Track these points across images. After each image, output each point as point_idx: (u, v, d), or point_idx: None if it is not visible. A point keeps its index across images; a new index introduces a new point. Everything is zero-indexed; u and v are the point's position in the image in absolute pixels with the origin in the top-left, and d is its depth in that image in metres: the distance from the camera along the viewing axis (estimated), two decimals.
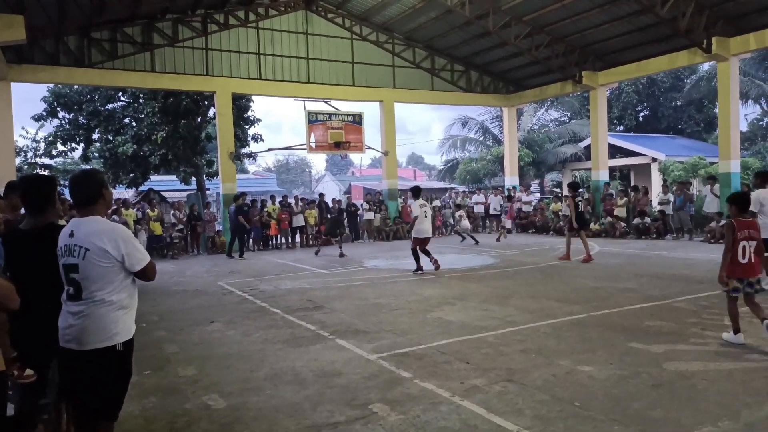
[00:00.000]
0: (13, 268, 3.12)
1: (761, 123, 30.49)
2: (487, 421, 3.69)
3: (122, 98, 21.58)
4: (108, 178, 21.39)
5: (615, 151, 25.61)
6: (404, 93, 20.68)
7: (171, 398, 4.43)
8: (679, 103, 33.45)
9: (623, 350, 5.13)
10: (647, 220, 16.22)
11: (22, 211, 4.07)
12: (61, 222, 3.27)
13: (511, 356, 5.09)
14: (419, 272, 10.69)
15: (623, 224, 16.81)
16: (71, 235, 2.85)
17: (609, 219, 17.22)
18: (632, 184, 25.33)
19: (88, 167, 18.13)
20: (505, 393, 4.17)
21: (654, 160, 25.06)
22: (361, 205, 20.70)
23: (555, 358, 4.97)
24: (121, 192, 28.68)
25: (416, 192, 11.38)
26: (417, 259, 10.86)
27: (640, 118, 35.41)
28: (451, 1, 16.14)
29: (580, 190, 14.36)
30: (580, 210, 11.97)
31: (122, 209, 15.71)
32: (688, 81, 31.72)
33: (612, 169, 24.77)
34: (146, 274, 2.93)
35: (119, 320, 2.84)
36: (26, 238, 3.14)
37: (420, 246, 10.93)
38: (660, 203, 16.31)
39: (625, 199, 17.39)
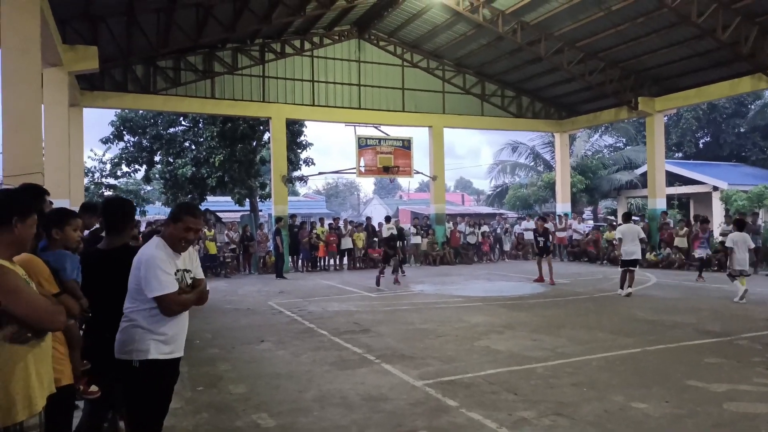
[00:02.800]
0: (88, 286, 3.33)
1: None
2: None
3: (183, 123, 22.64)
4: (168, 198, 22.38)
5: (673, 179, 24.72)
6: (454, 118, 20.78)
7: (222, 415, 4.56)
8: (742, 130, 32.04)
9: (681, 387, 4.92)
10: (708, 252, 15.47)
11: (86, 232, 4.35)
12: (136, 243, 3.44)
13: (561, 389, 4.96)
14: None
15: (683, 255, 16.12)
16: None
17: (668, 249, 16.55)
18: (692, 213, 24.32)
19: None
20: (554, 427, 4.08)
21: (715, 188, 24.00)
22: (409, 229, 20.76)
23: (607, 392, 4.81)
24: None
25: (387, 219, 15.55)
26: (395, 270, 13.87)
27: (701, 145, 34.11)
28: (503, 29, 16.20)
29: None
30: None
31: None
32: (753, 107, 30.40)
33: (670, 198, 23.87)
34: (162, 305, 2.92)
35: (135, 338, 2.94)
36: (104, 257, 3.32)
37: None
38: (722, 234, 15.56)
39: (686, 229, 16.69)
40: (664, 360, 5.89)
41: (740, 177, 25.47)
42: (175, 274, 3.00)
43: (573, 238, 19.95)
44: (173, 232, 3.04)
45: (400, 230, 15.00)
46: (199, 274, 3.23)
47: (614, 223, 21.51)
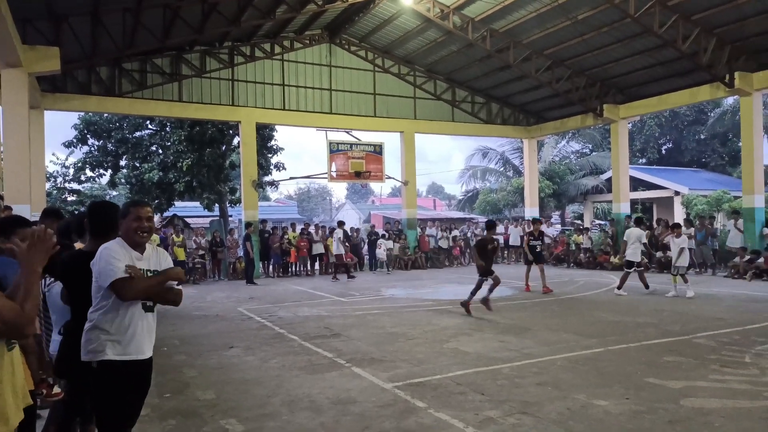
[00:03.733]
0: (74, 288, 3.30)
1: None
2: None
3: (150, 126, 22.26)
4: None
5: (637, 184, 25.40)
6: (425, 124, 20.96)
7: (190, 421, 4.51)
8: (702, 137, 33.17)
9: (640, 385, 5.07)
10: (669, 254, 15.96)
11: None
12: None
13: (526, 388, 5.07)
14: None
15: (645, 258, 16.55)
16: None
17: None
18: (655, 217, 25.03)
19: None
20: (519, 425, 4.16)
21: (677, 193, 24.76)
22: (381, 234, 20.82)
23: (571, 391, 4.94)
24: None
25: (340, 224, 17.03)
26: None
27: (663, 151, 35.18)
28: (473, 36, 16.46)
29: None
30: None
31: None
32: (712, 114, 31.50)
33: (634, 202, 24.54)
34: (115, 291, 2.91)
35: (91, 339, 2.95)
36: (87, 260, 3.26)
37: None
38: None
39: (648, 232, 17.16)
40: (625, 359, 6.06)
41: (700, 182, 26.34)
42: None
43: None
44: (125, 227, 3.05)
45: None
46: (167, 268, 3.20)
47: (581, 228, 22.01)
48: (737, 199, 19.15)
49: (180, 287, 3.25)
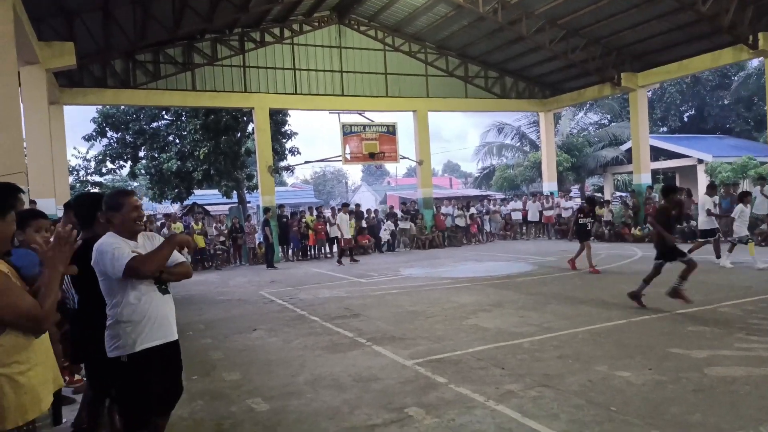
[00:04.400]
0: (77, 278, 3.38)
1: None
2: (521, 425, 3.71)
3: (166, 117, 22.47)
4: (155, 193, 22.28)
5: (658, 154, 24.93)
6: (438, 102, 20.76)
7: (217, 402, 4.63)
8: (726, 102, 32.30)
9: (663, 355, 5.05)
10: (692, 223, 15.71)
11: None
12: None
13: (547, 362, 5.08)
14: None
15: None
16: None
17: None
18: (678, 186, 24.58)
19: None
20: (540, 398, 4.18)
21: (700, 161, 24.26)
22: (397, 213, 20.85)
23: (592, 363, 4.93)
24: (166, 207, 29.77)
25: (344, 206, 16.55)
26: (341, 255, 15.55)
27: (685, 119, 34.37)
28: (483, 8, 16.16)
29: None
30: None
31: (171, 223, 16.43)
32: (736, 78, 30.63)
33: (655, 172, 24.11)
34: (133, 270, 2.91)
35: (119, 334, 2.98)
36: (81, 249, 3.34)
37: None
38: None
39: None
40: (647, 330, 6.02)
41: (725, 149, 25.75)
42: None
43: (561, 216, 20.11)
44: (123, 218, 3.07)
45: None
46: (174, 256, 3.22)
47: (601, 200, 21.72)
48: (763, 165, 18.72)
49: (188, 257, 3.28)
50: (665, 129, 33.12)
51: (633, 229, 17.20)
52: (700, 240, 11.41)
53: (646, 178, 18.97)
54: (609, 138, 29.78)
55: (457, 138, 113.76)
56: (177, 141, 22.30)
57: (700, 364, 4.71)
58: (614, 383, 4.40)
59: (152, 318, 3.04)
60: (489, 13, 16.41)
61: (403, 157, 21.11)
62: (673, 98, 32.56)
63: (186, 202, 24.30)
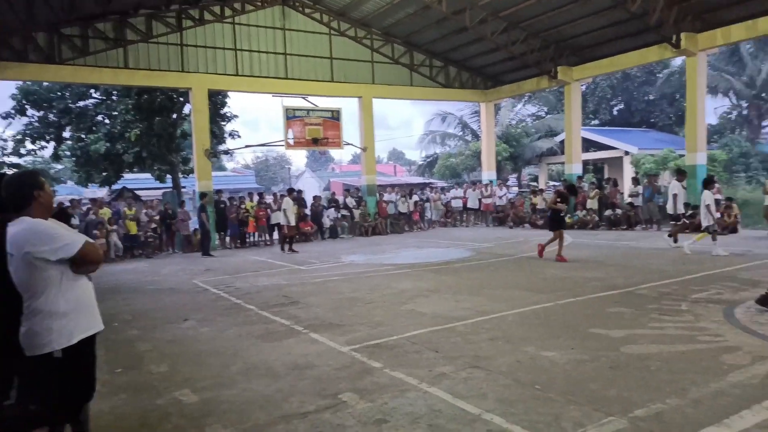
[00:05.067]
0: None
1: (730, 116, 31.23)
2: (451, 405, 3.82)
3: (94, 95, 21.27)
4: (81, 176, 21.11)
5: (589, 145, 26.04)
6: (383, 89, 20.75)
7: (142, 395, 4.47)
8: (651, 97, 34.07)
9: (585, 336, 5.32)
10: (618, 211, 16.59)
11: None
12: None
13: (479, 344, 5.23)
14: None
15: (596, 216, 17.17)
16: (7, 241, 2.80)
17: (583, 211, 17.53)
18: (606, 177, 25.78)
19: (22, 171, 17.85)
20: (470, 379, 4.32)
21: (627, 153, 25.54)
22: (339, 200, 20.77)
23: (520, 344, 5.13)
24: (94, 191, 28.29)
25: (289, 192, 15.95)
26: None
27: (615, 112, 36.01)
28: None
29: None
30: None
31: (98, 208, 15.60)
32: (661, 75, 32.30)
33: (586, 163, 25.19)
34: (85, 258, 2.81)
35: (53, 328, 2.79)
36: None
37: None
38: (630, 195, 16.68)
39: (596, 191, 17.77)
40: (571, 312, 6.33)
41: (649, 142, 27.21)
42: None
43: (497, 204, 20.68)
44: (47, 198, 2.92)
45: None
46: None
47: (536, 189, 22.50)
48: (682, 158, 19.93)
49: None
50: (597, 122, 34.60)
51: (565, 217, 17.90)
52: (672, 223, 11.96)
53: (577, 168, 19.77)
54: (545, 129, 30.82)
55: (402, 126, 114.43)
56: (106, 121, 21.19)
57: (618, 343, 5.00)
58: (540, 363, 4.61)
59: (87, 306, 2.94)
60: (434, 2, 16.51)
61: (348, 144, 21.02)
62: (604, 92, 34.04)
63: (115, 187, 23.22)
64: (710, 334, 5.20)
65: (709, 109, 16.99)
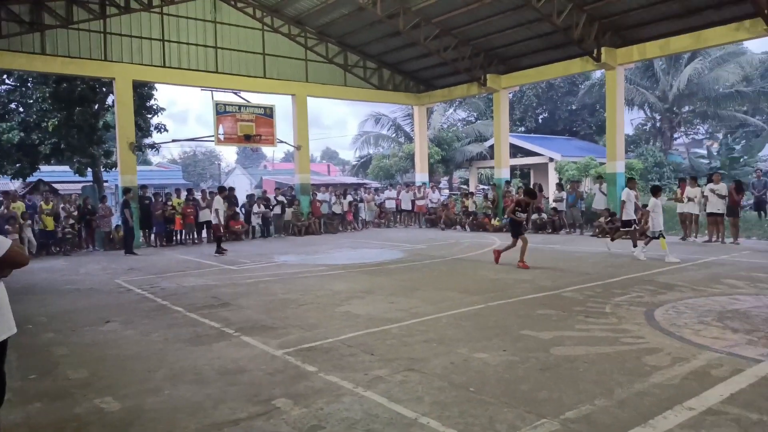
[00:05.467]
0: None
1: (645, 127, 33.44)
2: (387, 409, 3.81)
3: (7, 81, 19.72)
4: None
5: (516, 151, 27.06)
6: (317, 87, 20.57)
7: (59, 403, 4.17)
8: (574, 107, 35.93)
9: (516, 337, 5.49)
10: (543, 216, 17.34)
11: None
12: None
13: (413, 346, 5.28)
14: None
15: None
16: None
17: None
18: (532, 182, 26.88)
19: None
20: (406, 382, 4.34)
21: (551, 159, 26.75)
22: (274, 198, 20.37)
23: (454, 346, 5.22)
24: (6, 183, 26.18)
25: (220, 190, 14.80)
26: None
27: (540, 120, 37.69)
28: None
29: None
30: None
31: (10, 202, 14.43)
32: (583, 87, 34.10)
33: (513, 168, 26.15)
34: (11, 262, 2.72)
35: None
36: None
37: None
38: (555, 200, 17.48)
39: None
40: (503, 314, 6.52)
41: (572, 149, 28.67)
42: None
43: (429, 206, 21.04)
44: None
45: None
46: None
47: (467, 192, 23.09)
48: (603, 165, 21.12)
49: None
50: (523, 129, 36.05)
51: (493, 219, 18.50)
52: (622, 229, 12.24)
53: (505, 173, 20.48)
54: (475, 134, 31.72)
55: (336, 125, 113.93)
56: (21, 109, 19.70)
57: (547, 345, 5.19)
58: (473, 365, 4.70)
59: (2, 309, 2.81)
60: (368, 5, 16.57)
61: (281, 141, 20.70)
62: (530, 101, 35.54)
63: (30, 179, 21.64)
64: (633, 336, 5.46)
65: (626, 120, 18.05)
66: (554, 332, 5.61)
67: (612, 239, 12.40)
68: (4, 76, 19.44)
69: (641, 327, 5.76)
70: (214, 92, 18.50)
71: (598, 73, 27.89)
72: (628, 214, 11.49)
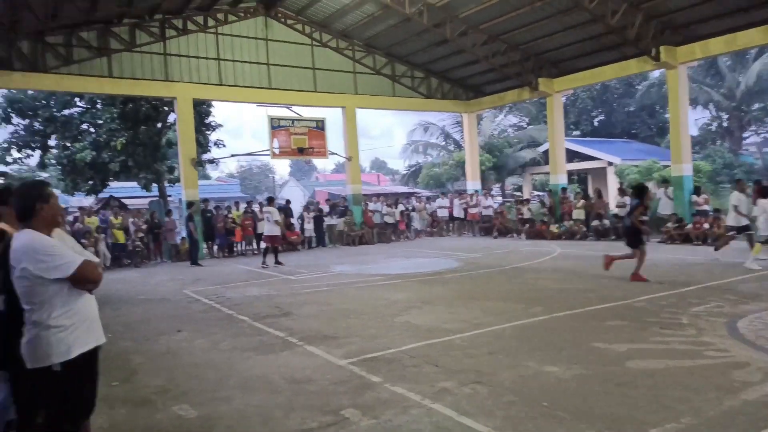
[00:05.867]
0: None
1: (710, 127, 31.90)
2: (458, 423, 3.75)
3: (79, 104, 20.99)
4: (67, 185, 20.78)
5: (572, 156, 26.34)
6: (366, 99, 20.79)
7: (141, 410, 4.37)
8: (632, 109, 34.69)
9: (587, 350, 5.28)
10: (605, 222, 16.77)
11: None
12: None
13: (478, 358, 5.19)
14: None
15: (583, 227, 17.32)
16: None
17: (570, 222, 17.62)
18: (590, 187, 26.12)
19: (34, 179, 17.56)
20: (474, 395, 4.26)
21: (610, 164, 25.89)
22: (325, 210, 20.68)
23: (521, 359, 5.09)
24: (80, 200, 27.86)
25: (270, 201, 14.80)
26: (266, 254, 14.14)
27: (596, 123, 36.59)
28: (409, 10, 16.33)
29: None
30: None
31: (85, 217, 15.39)
32: (640, 87, 32.94)
33: (570, 173, 25.44)
34: (83, 278, 2.78)
35: (51, 341, 2.76)
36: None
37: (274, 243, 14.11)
38: (617, 206, 16.86)
39: (582, 201, 17.93)
40: (571, 325, 6.31)
41: (632, 153, 27.65)
42: None
43: (483, 214, 20.77)
44: (52, 211, 2.87)
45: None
46: (84, 253, 3.03)
47: (522, 199, 22.67)
48: (666, 168, 20.27)
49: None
50: (578, 132, 35.10)
51: (551, 226, 18.06)
52: (728, 234, 11.29)
53: (562, 179, 19.96)
54: (527, 140, 31.13)
55: (383, 135, 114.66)
56: (92, 130, 20.89)
57: (622, 358, 4.94)
58: (544, 378, 4.56)
59: (87, 320, 2.88)
60: (415, 15, 16.62)
61: (332, 153, 20.99)
62: (585, 104, 34.59)
63: (101, 195, 22.86)
64: (716, 349, 5.12)
65: (690, 120, 17.26)
66: (628, 345, 5.35)
67: (716, 248, 11.18)
68: (77, 99, 20.68)
69: (724, 339, 5.41)
70: (268, 107, 19.01)
71: (656, 73, 26.90)
72: (738, 218, 10.56)
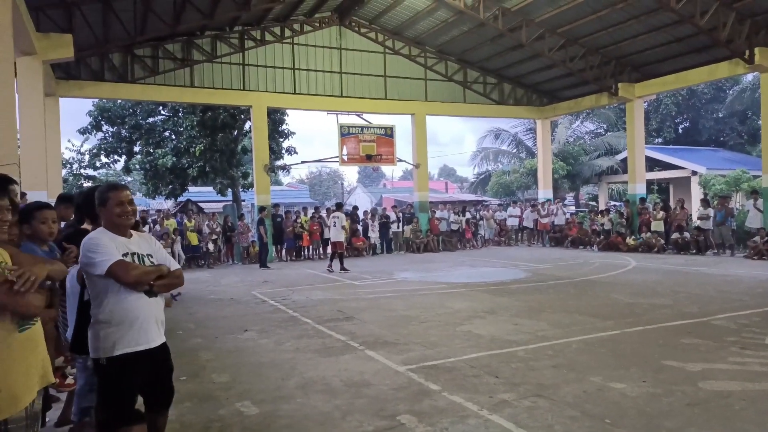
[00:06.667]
0: None
1: None
2: None
3: (163, 112, 22.37)
4: (149, 189, 22.17)
5: (653, 164, 25.02)
6: (436, 106, 20.77)
7: (206, 404, 4.56)
8: (721, 115, 32.50)
9: (657, 368, 5.01)
10: (686, 234, 15.80)
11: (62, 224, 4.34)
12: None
13: (541, 371, 5.03)
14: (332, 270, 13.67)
15: (661, 239, 16.39)
16: None
17: (647, 234, 16.72)
18: (671, 197, 24.69)
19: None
20: (534, 408, 4.14)
21: (694, 173, 24.36)
22: (392, 217, 20.79)
23: (586, 374, 4.89)
24: (160, 203, 29.65)
25: (338, 206, 15.13)
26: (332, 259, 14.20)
27: (680, 130, 34.55)
28: (484, 15, 16.18)
29: None
30: None
31: (164, 219, 16.40)
32: (731, 92, 30.82)
33: (650, 183, 24.17)
34: (115, 275, 2.83)
35: (99, 335, 2.88)
36: None
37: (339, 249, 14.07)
38: (699, 218, 15.84)
39: (663, 212, 16.96)
40: (641, 341, 5.99)
41: (718, 162, 25.89)
42: (124, 256, 2.91)
43: (555, 223, 20.14)
44: (108, 214, 2.98)
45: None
46: (168, 261, 3.13)
47: (598, 210, 21.79)
48: (756, 179, 18.81)
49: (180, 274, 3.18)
50: (660, 140, 33.27)
51: (628, 238, 17.22)
52: None
53: (641, 189, 19.01)
54: (605, 147, 29.87)
55: (453, 142, 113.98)
56: (173, 137, 22.21)
57: (695, 378, 4.67)
58: (609, 395, 4.36)
59: (134, 322, 2.89)
60: (489, 20, 16.43)
61: (400, 160, 21.11)
62: (668, 110, 32.73)
63: (180, 199, 24.18)
64: None
65: None
66: (703, 364, 5.03)
67: None
68: (160, 108, 22.08)
69: None
70: (338, 115, 19.42)
71: (749, 76, 25.12)
72: None
